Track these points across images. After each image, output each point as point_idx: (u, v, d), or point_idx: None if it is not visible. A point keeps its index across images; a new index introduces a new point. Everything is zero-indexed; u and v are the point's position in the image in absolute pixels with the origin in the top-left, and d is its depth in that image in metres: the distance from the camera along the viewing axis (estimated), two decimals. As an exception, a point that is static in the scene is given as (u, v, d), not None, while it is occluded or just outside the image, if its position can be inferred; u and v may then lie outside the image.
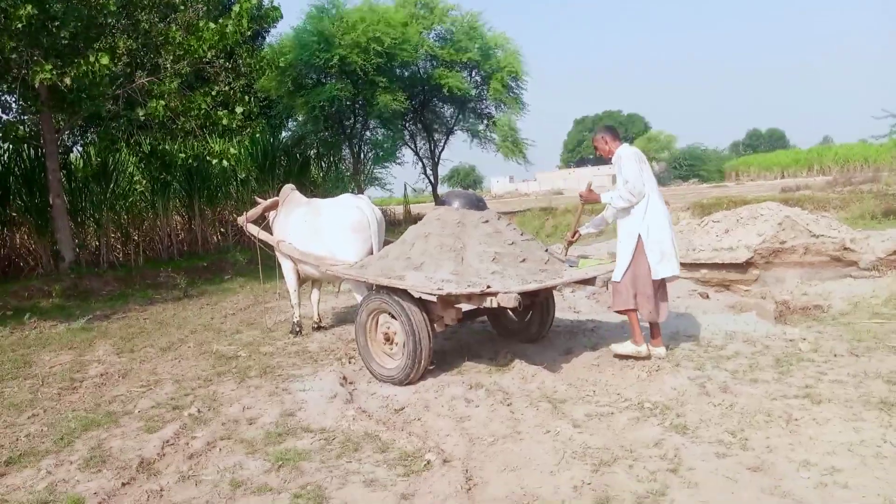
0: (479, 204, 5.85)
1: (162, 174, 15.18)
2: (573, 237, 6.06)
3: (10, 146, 13.40)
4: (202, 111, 13.01)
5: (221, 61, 15.84)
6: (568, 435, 4.00)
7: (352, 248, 6.54)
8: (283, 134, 23.26)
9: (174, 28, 12.53)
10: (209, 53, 12.71)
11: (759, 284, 8.26)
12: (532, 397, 4.74)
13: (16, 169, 13.57)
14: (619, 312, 5.52)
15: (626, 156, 5.37)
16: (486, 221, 5.58)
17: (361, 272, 5.73)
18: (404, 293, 5.17)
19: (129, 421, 4.83)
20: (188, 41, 12.21)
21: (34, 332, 8.46)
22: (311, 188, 18.71)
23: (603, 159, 5.94)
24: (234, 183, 17.94)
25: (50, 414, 5.10)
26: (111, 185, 14.63)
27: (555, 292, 6.50)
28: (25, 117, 13.83)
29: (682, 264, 7.89)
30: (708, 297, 7.91)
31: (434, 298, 5.03)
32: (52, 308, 10.38)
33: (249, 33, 13.83)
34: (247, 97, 14.81)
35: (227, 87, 16.70)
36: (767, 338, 5.86)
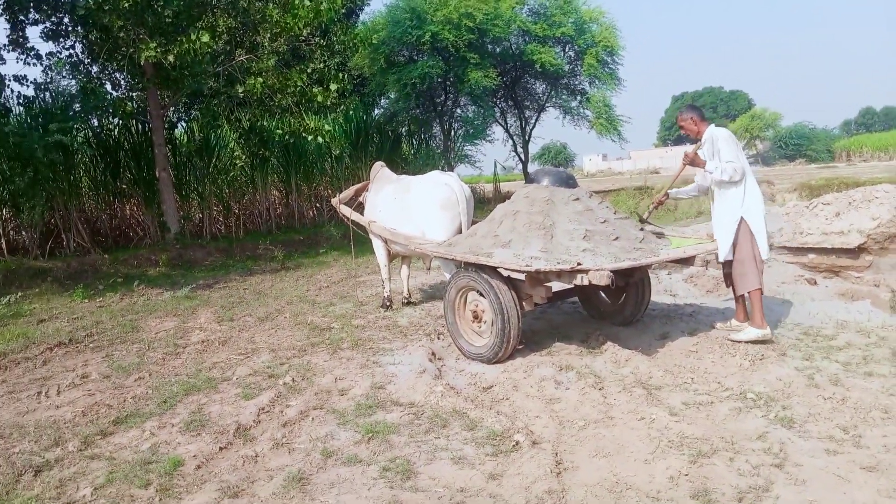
0: (569, 181, 5.68)
1: (260, 150, 15.69)
2: (664, 198, 5.94)
3: (120, 121, 14.15)
4: (298, 88, 13.31)
5: (317, 39, 16.14)
6: (664, 423, 3.83)
7: (440, 226, 6.50)
8: (376, 111, 23.55)
9: (271, 6, 12.80)
10: (305, 31, 12.95)
11: (872, 271, 7.69)
12: (625, 382, 4.58)
13: (125, 143, 14.33)
14: (737, 298, 5.49)
15: (724, 137, 5.20)
16: (577, 199, 5.40)
17: (450, 250, 5.68)
18: (493, 271, 5.08)
19: (227, 387, 5.00)
20: (285, 19, 12.45)
21: (142, 299, 8.94)
22: (402, 165, 18.88)
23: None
24: (329, 159, 18.30)
25: (154, 378, 5.35)
26: (213, 160, 15.26)
27: (651, 274, 6.29)
28: (133, 94, 14.54)
29: (788, 248, 7.60)
30: (816, 283, 7.44)
31: (523, 276, 4.93)
32: (159, 276, 10.95)
33: (343, 11, 14.00)
34: (341, 74, 15.01)
35: (321, 65, 17.02)
36: (883, 328, 5.47)
